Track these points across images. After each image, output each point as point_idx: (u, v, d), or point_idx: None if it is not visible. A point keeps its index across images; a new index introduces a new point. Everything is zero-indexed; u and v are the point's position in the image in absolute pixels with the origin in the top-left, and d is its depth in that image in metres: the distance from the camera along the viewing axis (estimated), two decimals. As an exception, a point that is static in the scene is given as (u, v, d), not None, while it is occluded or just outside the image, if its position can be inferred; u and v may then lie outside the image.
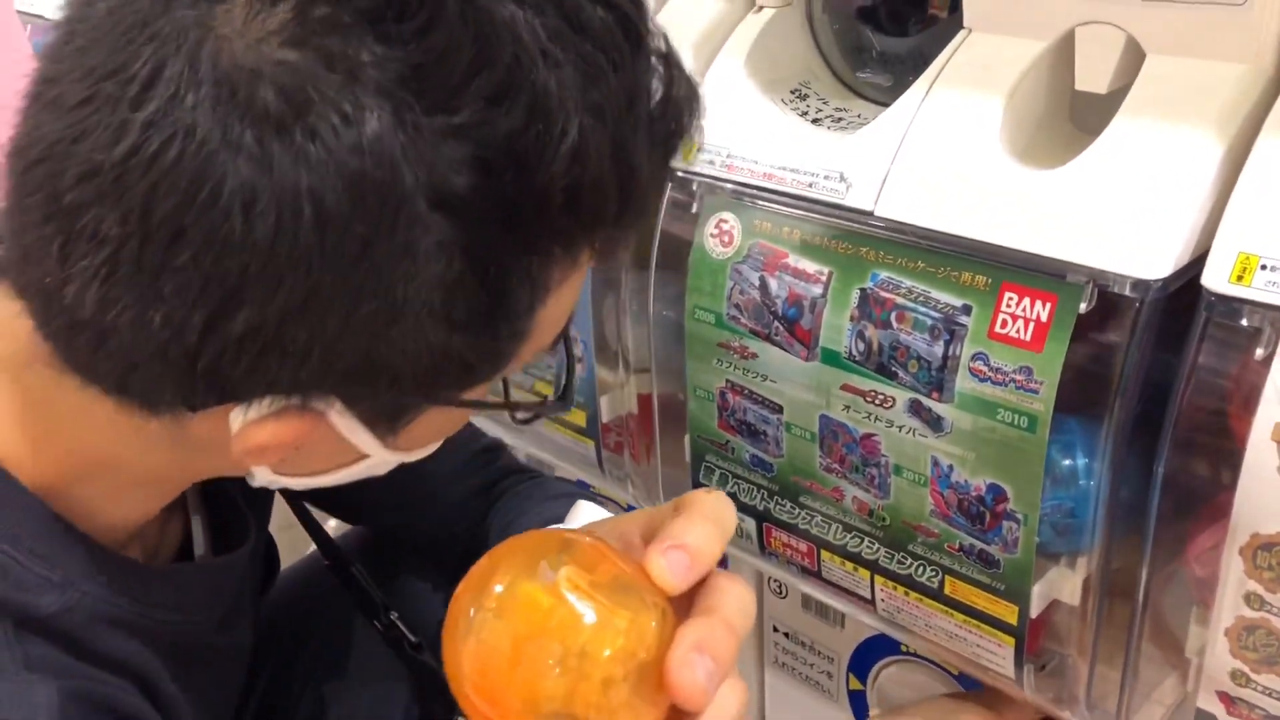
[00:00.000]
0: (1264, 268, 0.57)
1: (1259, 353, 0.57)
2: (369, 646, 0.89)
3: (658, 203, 0.81)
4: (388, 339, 0.47)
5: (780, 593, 1.01)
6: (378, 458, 0.57)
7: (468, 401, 0.55)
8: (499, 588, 0.47)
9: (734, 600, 0.51)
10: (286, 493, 0.84)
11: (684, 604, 0.51)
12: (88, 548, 0.57)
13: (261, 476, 0.58)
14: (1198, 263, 0.60)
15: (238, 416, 0.51)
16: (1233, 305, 0.57)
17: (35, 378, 0.54)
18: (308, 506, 0.89)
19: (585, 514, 0.79)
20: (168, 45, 0.43)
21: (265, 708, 0.88)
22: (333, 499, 0.90)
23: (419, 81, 0.43)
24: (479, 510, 0.92)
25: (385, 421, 0.54)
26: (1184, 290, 0.61)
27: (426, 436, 0.59)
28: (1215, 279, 0.58)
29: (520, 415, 0.64)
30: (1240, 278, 0.57)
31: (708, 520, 0.52)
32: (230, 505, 0.72)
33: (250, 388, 0.49)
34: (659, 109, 0.52)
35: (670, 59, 0.53)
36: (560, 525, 0.78)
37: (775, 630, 1.03)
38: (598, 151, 0.47)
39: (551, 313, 0.54)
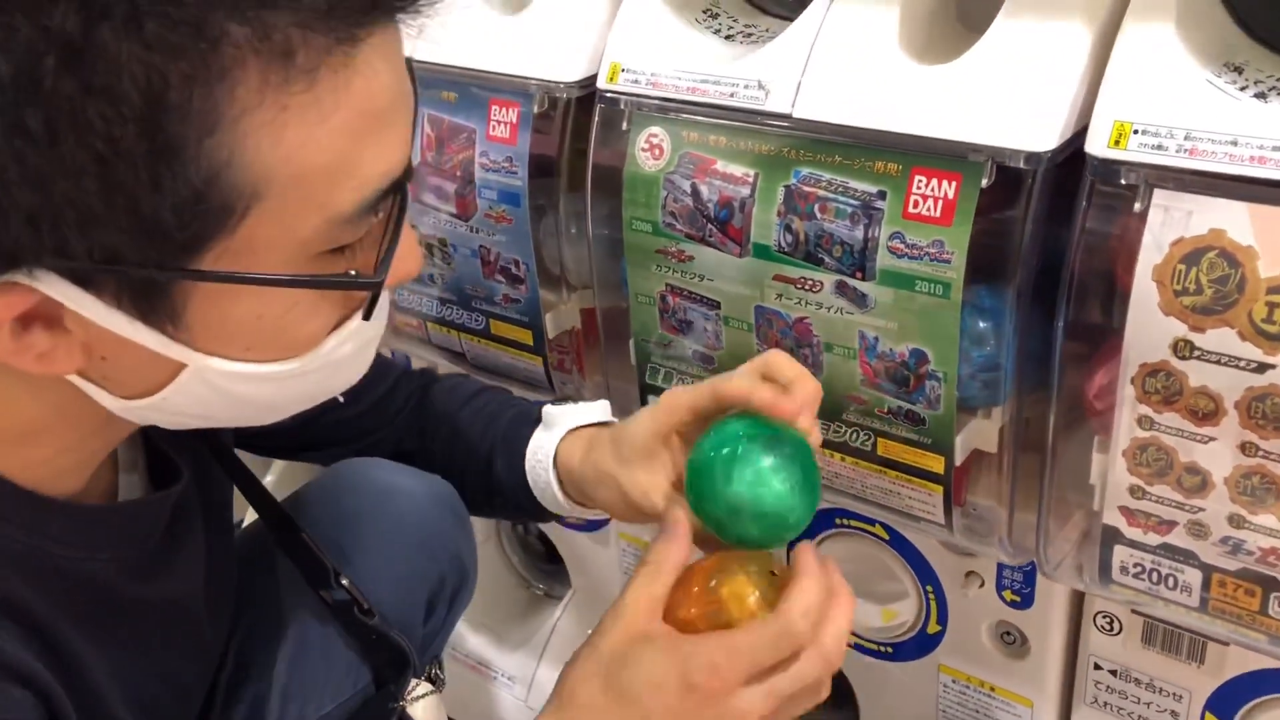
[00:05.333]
0: (1136, 132, 0.66)
1: (1137, 206, 0.66)
2: (315, 616, 0.87)
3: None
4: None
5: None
6: (194, 362, 0.53)
7: (225, 274, 0.50)
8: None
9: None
10: (229, 464, 0.83)
11: None
12: None
13: (108, 403, 0.56)
14: (1081, 136, 0.69)
15: None
16: (1112, 167, 0.66)
17: None
18: (255, 476, 0.87)
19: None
20: None
21: (233, 681, 0.86)
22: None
23: None
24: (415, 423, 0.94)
25: (144, 304, 0.50)
26: (1071, 163, 0.70)
27: (236, 331, 0.53)
28: (1096, 145, 0.67)
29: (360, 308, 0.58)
30: (1117, 142, 0.66)
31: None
32: (165, 457, 0.72)
33: None
34: None
35: None
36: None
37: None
38: None
39: (279, 149, 0.47)
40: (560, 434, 0.83)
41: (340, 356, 0.58)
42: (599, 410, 0.85)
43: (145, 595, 0.68)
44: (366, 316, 0.57)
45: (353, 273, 0.54)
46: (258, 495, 0.86)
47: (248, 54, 0.46)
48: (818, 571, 0.63)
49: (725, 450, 0.67)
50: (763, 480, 0.65)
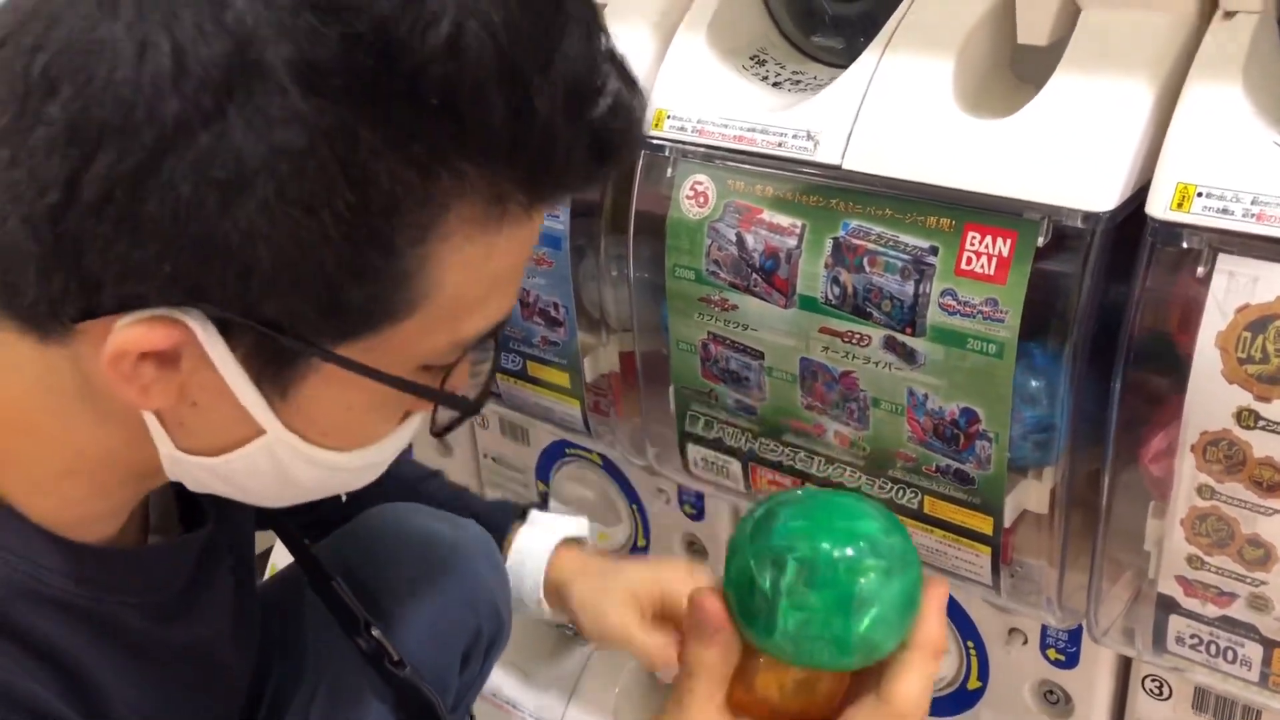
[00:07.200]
0: (1200, 195, 0.64)
1: (1200, 271, 0.64)
2: (348, 664, 0.86)
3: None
4: (237, 216, 0.47)
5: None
6: (274, 432, 0.56)
7: (360, 366, 0.53)
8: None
9: None
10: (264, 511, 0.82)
11: None
12: (17, 524, 0.58)
13: (166, 449, 0.57)
14: (1140, 194, 0.67)
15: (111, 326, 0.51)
16: (1175, 230, 0.65)
17: None
18: (289, 524, 0.88)
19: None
20: None
21: None
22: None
23: None
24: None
25: (269, 369, 0.53)
26: (1129, 221, 0.68)
27: (326, 414, 0.57)
28: (1158, 207, 0.65)
29: (438, 424, 0.63)
30: (1180, 205, 0.64)
31: None
32: (192, 499, 0.72)
33: (111, 280, 0.50)
34: (597, 100, 0.52)
35: (620, 64, 0.54)
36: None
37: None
38: (478, 55, 0.48)
39: (457, 273, 0.52)
40: (555, 541, 0.89)
41: (381, 459, 0.62)
42: (582, 527, 0.92)
43: (172, 638, 0.68)
44: (436, 433, 0.63)
45: (457, 394, 0.60)
46: (293, 541, 0.85)
47: (473, 194, 0.50)
48: (928, 650, 0.56)
49: (769, 580, 0.54)
50: (821, 620, 0.53)
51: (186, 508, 0.72)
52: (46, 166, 0.48)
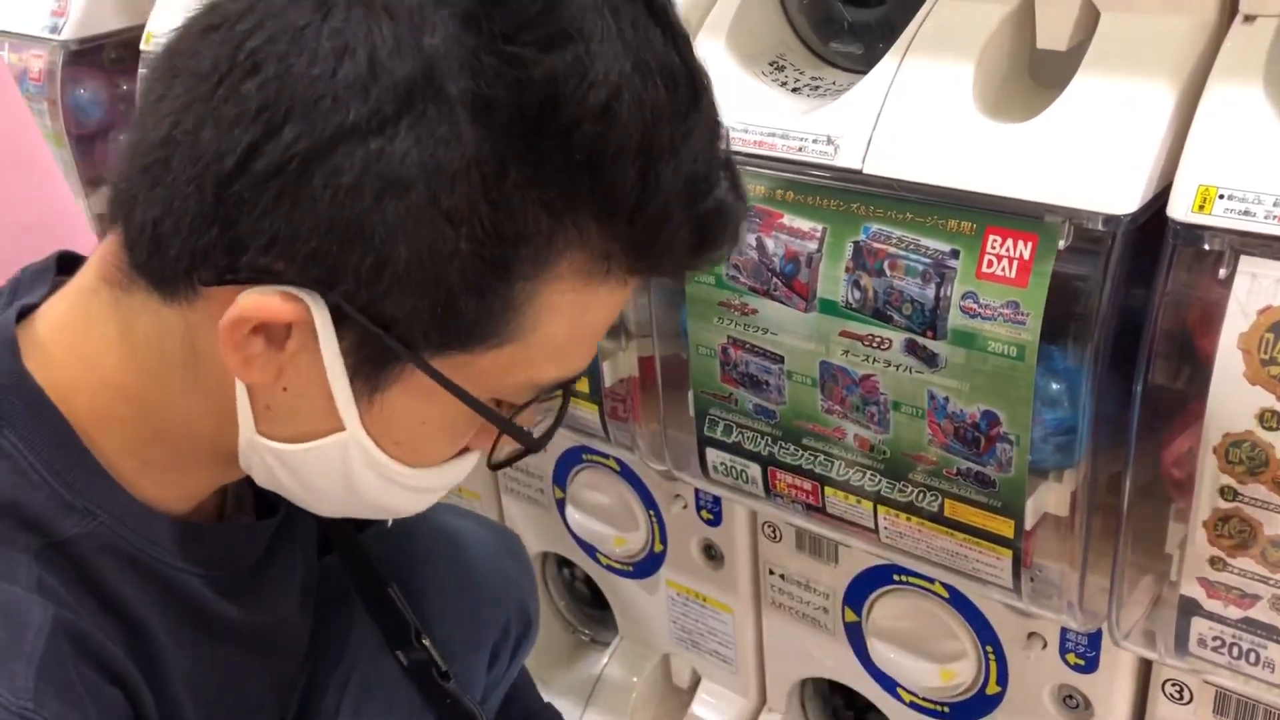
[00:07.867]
0: (1222, 196, 0.64)
1: (1222, 273, 0.64)
2: (385, 676, 0.87)
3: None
4: (388, 213, 0.52)
5: (774, 537, 1.07)
6: (352, 430, 0.60)
7: (448, 381, 0.58)
8: None
9: None
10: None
11: None
12: (108, 482, 0.62)
13: (246, 430, 0.61)
14: (1161, 197, 0.68)
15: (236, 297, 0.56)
16: (1196, 232, 0.65)
17: (97, 303, 0.61)
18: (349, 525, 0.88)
19: None
20: None
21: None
22: None
23: (490, 10, 0.52)
24: None
25: (367, 367, 0.57)
26: (1150, 224, 0.68)
27: (403, 423, 0.61)
28: (1179, 209, 0.65)
29: (496, 458, 0.68)
30: (1201, 207, 0.65)
31: None
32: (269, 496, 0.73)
33: (257, 248, 0.54)
34: (709, 195, 0.57)
35: (734, 172, 0.60)
36: None
37: (771, 573, 1.10)
38: (625, 124, 0.53)
39: (553, 316, 0.57)
40: None
41: (436, 485, 0.66)
42: None
43: (235, 617, 0.70)
44: (493, 466, 0.67)
45: (527, 429, 0.64)
46: (349, 544, 0.86)
47: (587, 248, 0.56)
48: None
49: None
50: None
51: (262, 502, 0.74)
52: (231, 136, 0.53)
